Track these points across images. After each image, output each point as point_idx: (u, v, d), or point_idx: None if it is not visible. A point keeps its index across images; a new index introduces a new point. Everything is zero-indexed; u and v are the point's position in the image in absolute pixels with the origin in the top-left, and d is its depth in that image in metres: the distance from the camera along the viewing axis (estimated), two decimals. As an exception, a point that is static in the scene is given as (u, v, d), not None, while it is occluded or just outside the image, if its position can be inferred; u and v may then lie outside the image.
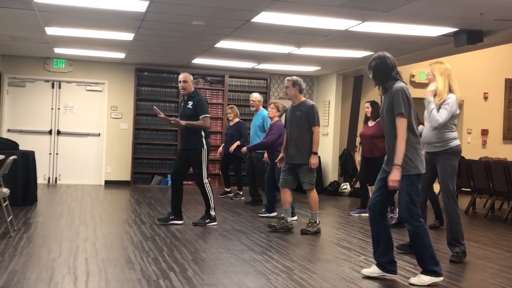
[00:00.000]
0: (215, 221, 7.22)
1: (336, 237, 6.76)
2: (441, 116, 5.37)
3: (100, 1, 6.84)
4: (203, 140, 7.06)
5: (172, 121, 7.26)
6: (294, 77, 6.93)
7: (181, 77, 7.20)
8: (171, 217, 7.13)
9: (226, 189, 10.74)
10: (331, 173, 12.35)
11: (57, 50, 10.89)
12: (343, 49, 9.46)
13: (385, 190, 4.61)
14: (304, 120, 6.72)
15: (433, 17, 7.04)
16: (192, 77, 7.29)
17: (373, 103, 8.52)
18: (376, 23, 7.37)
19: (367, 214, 8.19)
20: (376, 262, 4.74)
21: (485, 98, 13.69)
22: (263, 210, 8.32)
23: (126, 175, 12.14)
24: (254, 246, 5.94)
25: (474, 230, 7.85)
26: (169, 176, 12.34)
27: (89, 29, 8.60)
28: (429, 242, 4.54)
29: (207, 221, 7.15)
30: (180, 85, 7.21)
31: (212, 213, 7.20)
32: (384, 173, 4.65)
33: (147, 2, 6.72)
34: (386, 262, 4.67)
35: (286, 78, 6.99)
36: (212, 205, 7.17)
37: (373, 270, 4.73)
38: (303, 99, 6.90)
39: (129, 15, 7.47)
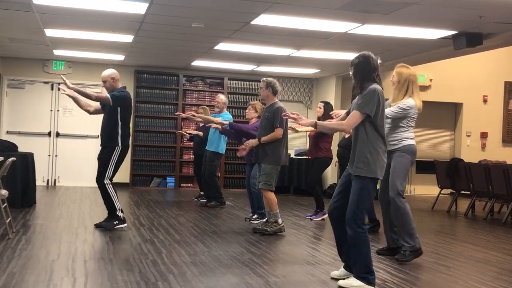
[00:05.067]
0: (124, 223, 6.78)
1: (334, 240, 6.73)
2: (391, 109, 5.44)
3: (100, 3, 6.84)
4: (119, 137, 6.63)
5: None
6: (269, 79, 6.93)
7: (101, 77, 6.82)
8: (114, 222, 6.72)
9: (201, 193, 10.18)
10: (330, 176, 12.34)
11: (57, 52, 10.89)
12: (343, 51, 9.46)
13: (345, 194, 4.49)
14: (270, 121, 6.72)
15: (432, 20, 7.04)
16: (113, 74, 6.82)
17: (327, 104, 8.29)
18: (376, 25, 7.37)
19: (326, 216, 8.19)
20: (344, 264, 4.71)
21: (485, 101, 13.70)
22: (251, 215, 7.91)
23: (125, 177, 12.11)
24: (253, 248, 5.93)
25: (474, 233, 7.85)
26: (168, 178, 12.44)
27: (89, 31, 8.60)
28: (368, 250, 4.39)
29: (115, 222, 6.68)
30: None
31: (120, 214, 6.72)
32: (345, 175, 4.57)
33: (147, 4, 6.72)
34: (352, 266, 4.55)
35: (262, 79, 6.98)
36: (117, 206, 6.68)
37: (341, 272, 4.68)
38: (275, 101, 6.85)
39: (128, 17, 7.47)
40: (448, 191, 10.97)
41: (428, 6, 6.34)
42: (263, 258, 5.45)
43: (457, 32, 7.61)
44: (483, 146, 13.66)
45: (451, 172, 10.05)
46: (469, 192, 9.87)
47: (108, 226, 6.65)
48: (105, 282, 4.36)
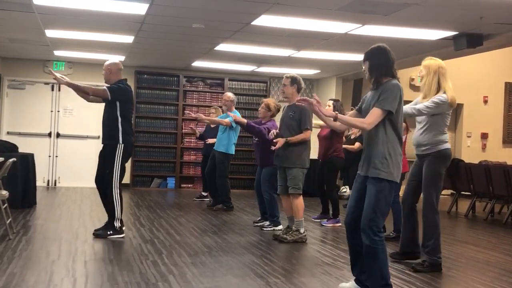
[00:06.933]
0: (120, 234, 6.24)
1: (335, 241, 6.74)
2: (424, 104, 5.04)
3: (100, 3, 6.84)
4: (120, 134, 6.19)
5: None
6: (294, 75, 6.46)
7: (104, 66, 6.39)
8: (109, 232, 6.26)
9: (203, 193, 10.22)
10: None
11: (57, 53, 10.89)
12: (343, 52, 9.46)
13: (362, 203, 4.02)
14: (295, 122, 6.32)
15: (432, 21, 7.04)
16: (110, 64, 6.35)
17: (336, 102, 7.94)
18: (376, 26, 7.37)
19: (339, 224, 7.77)
20: (354, 278, 4.25)
21: (485, 101, 13.71)
22: (259, 219, 7.65)
23: (125, 178, 12.00)
24: (253, 249, 5.93)
25: (474, 234, 7.85)
26: (168, 179, 12.43)
27: (89, 32, 8.60)
28: (385, 260, 3.97)
29: (109, 232, 6.20)
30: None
31: (117, 224, 6.21)
32: (359, 181, 4.13)
33: (147, 5, 6.72)
34: (366, 279, 4.10)
35: (285, 75, 6.49)
36: (117, 215, 6.19)
37: (351, 285, 4.26)
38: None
39: (129, 17, 7.47)
40: (449, 191, 10.96)
41: (429, 7, 6.33)
42: (264, 259, 5.45)
43: (457, 33, 7.61)
44: (484, 147, 13.66)
45: (452, 173, 10.04)
46: (469, 193, 9.87)
47: (103, 234, 6.23)
48: (105, 282, 4.36)
